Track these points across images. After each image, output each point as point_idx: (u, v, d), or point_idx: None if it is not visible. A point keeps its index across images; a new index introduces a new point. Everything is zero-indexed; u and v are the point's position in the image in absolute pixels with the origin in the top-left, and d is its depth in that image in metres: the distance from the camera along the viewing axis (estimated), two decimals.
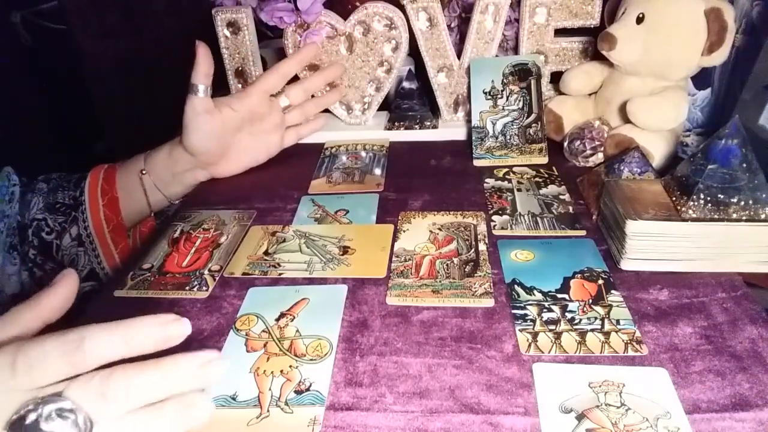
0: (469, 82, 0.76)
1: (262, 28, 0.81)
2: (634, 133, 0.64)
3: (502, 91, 0.74)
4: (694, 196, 0.49)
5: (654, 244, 0.50)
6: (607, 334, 0.44)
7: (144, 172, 0.66)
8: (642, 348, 0.42)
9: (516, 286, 0.50)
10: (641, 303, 0.47)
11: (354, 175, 0.72)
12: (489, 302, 0.48)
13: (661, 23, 0.62)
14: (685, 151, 0.73)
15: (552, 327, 0.45)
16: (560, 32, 0.76)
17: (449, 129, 0.81)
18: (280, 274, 0.53)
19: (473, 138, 0.74)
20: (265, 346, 0.45)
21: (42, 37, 1.55)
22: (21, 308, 0.34)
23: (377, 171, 0.72)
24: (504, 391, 0.40)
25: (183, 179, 0.68)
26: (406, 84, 0.80)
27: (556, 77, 0.77)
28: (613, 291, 0.48)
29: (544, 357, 0.42)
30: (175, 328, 0.32)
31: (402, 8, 0.75)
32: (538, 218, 0.59)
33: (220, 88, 0.82)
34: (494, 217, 0.60)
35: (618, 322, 0.45)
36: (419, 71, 0.80)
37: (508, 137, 0.73)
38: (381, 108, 0.82)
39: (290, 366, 0.42)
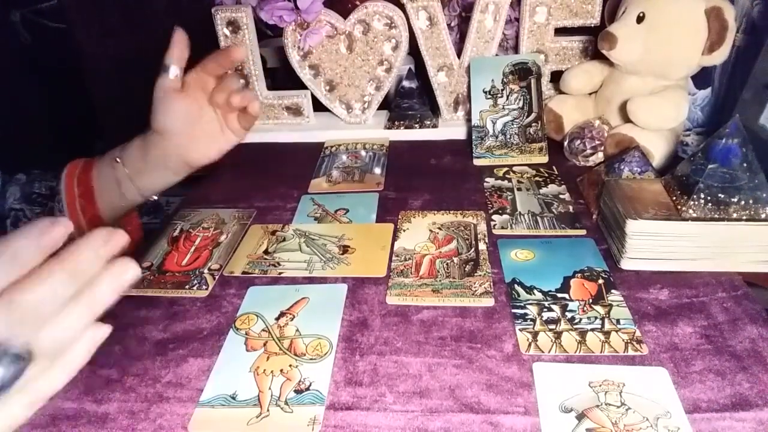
0: (469, 81, 0.76)
1: (261, 27, 0.81)
2: (635, 132, 0.64)
3: (502, 90, 0.74)
4: (695, 196, 0.49)
5: (654, 244, 0.50)
6: (607, 333, 0.44)
7: (118, 160, 0.66)
8: (642, 347, 0.42)
9: (516, 286, 0.50)
10: (641, 302, 0.47)
11: (354, 174, 0.72)
12: (489, 302, 0.48)
13: (661, 22, 0.62)
14: (686, 151, 0.73)
15: (552, 326, 0.45)
16: (560, 31, 0.76)
17: (449, 128, 0.81)
18: (280, 273, 0.53)
19: (473, 137, 0.73)
20: (264, 345, 0.45)
21: (42, 36, 1.55)
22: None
23: (377, 170, 0.72)
24: (504, 390, 0.39)
25: (155, 165, 0.65)
26: (406, 83, 0.80)
27: (556, 76, 0.77)
28: (613, 290, 0.48)
29: (544, 356, 0.42)
30: (56, 231, 0.30)
31: (402, 7, 0.75)
32: (538, 217, 0.59)
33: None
34: (494, 217, 0.60)
35: (618, 321, 0.45)
36: (419, 70, 0.80)
37: (508, 136, 0.73)
38: (381, 107, 0.82)
39: (290, 365, 0.42)
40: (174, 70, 0.62)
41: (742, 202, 0.48)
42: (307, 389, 0.40)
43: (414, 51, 0.80)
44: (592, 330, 0.44)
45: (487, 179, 0.68)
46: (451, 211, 0.61)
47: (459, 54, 0.77)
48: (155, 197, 0.67)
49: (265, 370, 0.42)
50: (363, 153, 0.77)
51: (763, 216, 0.48)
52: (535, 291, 0.49)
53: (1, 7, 1.51)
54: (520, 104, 0.73)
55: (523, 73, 0.74)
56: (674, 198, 0.51)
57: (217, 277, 0.53)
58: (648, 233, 0.49)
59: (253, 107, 0.66)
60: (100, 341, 0.31)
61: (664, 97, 0.64)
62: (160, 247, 0.58)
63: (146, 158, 0.65)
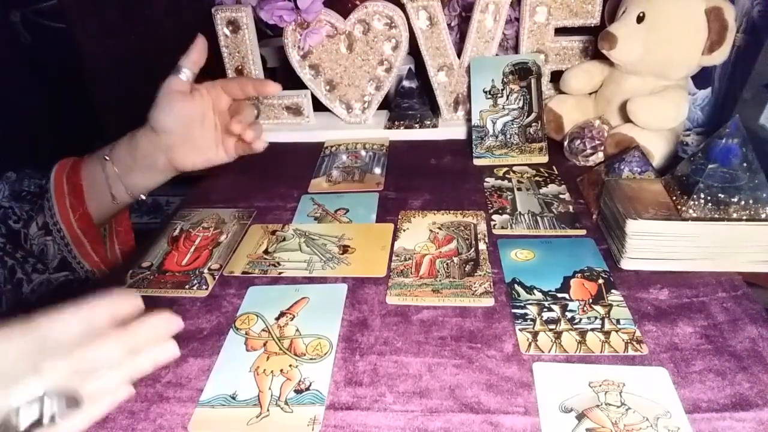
0: (469, 81, 0.76)
1: (261, 26, 0.81)
2: (635, 132, 0.64)
3: (502, 90, 0.74)
4: (695, 196, 0.49)
5: (654, 244, 0.50)
6: (607, 333, 0.44)
7: (107, 158, 0.65)
8: (642, 347, 0.42)
9: (516, 286, 0.50)
10: (641, 302, 0.47)
11: (354, 174, 0.72)
12: (489, 302, 0.48)
13: (661, 22, 0.62)
14: (686, 151, 0.73)
15: (552, 326, 0.45)
16: (560, 31, 0.76)
17: (449, 128, 0.81)
18: (279, 273, 0.53)
19: (473, 137, 0.73)
20: (264, 345, 0.45)
21: (42, 36, 1.55)
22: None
23: (377, 170, 0.72)
24: (504, 390, 0.39)
25: (143, 163, 0.65)
26: (406, 83, 0.80)
27: (556, 76, 0.77)
28: (613, 290, 0.48)
29: (544, 356, 0.42)
30: (128, 305, 0.36)
31: (402, 7, 0.75)
32: (538, 217, 0.59)
33: None
34: (494, 217, 0.60)
35: (618, 321, 0.45)
36: (419, 70, 0.80)
37: (508, 136, 0.73)
38: (381, 107, 0.82)
39: (290, 365, 0.42)
40: (186, 73, 0.63)
41: (742, 202, 0.48)
42: (307, 389, 0.40)
43: (414, 51, 0.80)
44: (592, 330, 0.44)
45: (487, 179, 0.68)
46: (451, 211, 0.61)
47: (459, 54, 0.77)
48: (143, 197, 0.67)
49: (265, 370, 0.42)
50: (363, 153, 0.77)
51: (763, 216, 0.48)
52: (535, 291, 0.49)
53: (1, 7, 1.50)
54: (520, 104, 0.73)
55: (523, 73, 0.74)
56: (674, 198, 0.51)
57: (217, 277, 0.53)
58: (648, 233, 0.49)
59: (257, 145, 0.67)
60: (122, 399, 0.35)
61: (664, 97, 0.64)
62: (160, 246, 0.58)
63: (134, 156, 0.64)
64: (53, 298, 0.35)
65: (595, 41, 0.69)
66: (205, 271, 0.54)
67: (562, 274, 0.51)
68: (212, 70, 0.83)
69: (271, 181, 0.71)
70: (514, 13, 0.77)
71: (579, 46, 0.77)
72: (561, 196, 0.63)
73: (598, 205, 0.58)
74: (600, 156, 0.68)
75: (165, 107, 0.62)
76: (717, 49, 0.60)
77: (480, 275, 0.51)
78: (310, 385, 0.41)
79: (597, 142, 0.68)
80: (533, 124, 0.73)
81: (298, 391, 0.40)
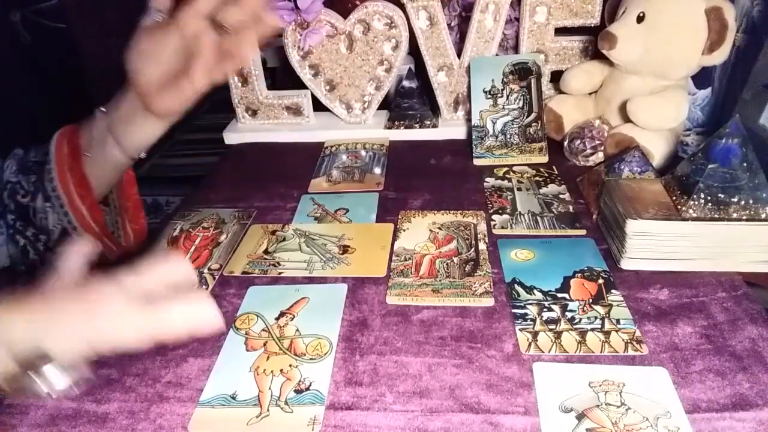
0: (469, 81, 0.76)
1: None
2: (635, 132, 0.64)
3: (502, 90, 0.74)
4: (695, 196, 0.49)
5: (654, 244, 0.50)
6: (607, 333, 0.44)
7: (103, 109, 0.63)
8: (642, 347, 0.42)
9: (516, 286, 0.50)
10: (641, 302, 0.47)
11: (354, 174, 0.72)
12: (489, 301, 0.48)
13: (661, 22, 0.62)
14: (686, 151, 0.73)
15: (552, 326, 0.45)
16: (560, 31, 0.76)
17: (449, 128, 0.81)
18: (279, 273, 0.53)
19: (473, 137, 0.73)
20: (264, 345, 0.45)
21: (42, 36, 1.55)
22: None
23: (377, 170, 0.72)
24: (504, 390, 0.39)
25: (126, 113, 0.60)
26: (406, 83, 0.80)
27: (556, 76, 0.77)
28: (613, 290, 0.48)
29: (544, 356, 0.42)
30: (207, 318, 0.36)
31: (402, 7, 0.75)
32: (538, 217, 0.59)
33: (219, 87, 0.82)
34: (494, 217, 0.60)
35: (618, 321, 0.45)
36: (419, 70, 0.80)
37: (508, 136, 0.73)
38: (381, 107, 0.82)
39: (290, 365, 0.42)
40: (157, 14, 0.59)
41: (742, 202, 0.48)
42: (307, 389, 0.40)
43: (414, 51, 0.79)
44: (592, 330, 0.44)
45: (487, 179, 0.68)
46: (451, 211, 0.61)
47: (459, 54, 0.77)
48: (136, 156, 0.64)
49: (265, 370, 0.42)
50: (363, 153, 0.77)
51: (763, 216, 0.48)
52: (535, 291, 0.49)
53: (1, 7, 1.50)
54: (520, 104, 0.73)
55: (523, 73, 0.74)
56: (674, 198, 0.51)
57: (217, 277, 0.53)
58: (648, 233, 0.49)
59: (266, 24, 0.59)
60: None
61: (664, 97, 0.64)
62: (160, 246, 0.58)
63: (119, 107, 0.62)
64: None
65: (595, 41, 0.69)
66: (205, 271, 0.54)
67: (562, 274, 0.51)
68: None
69: (271, 181, 0.71)
70: (514, 13, 0.77)
71: (579, 46, 0.77)
72: (561, 196, 0.63)
73: (598, 205, 0.58)
74: (600, 156, 0.68)
75: (132, 47, 0.60)
76: (717, 49, 0.60)
77: (480, 275, 0.51)
78: (310, 385, 0.41)
79: (597, 142, 0.68)
80: (533, 124, 0.73)
81: (298, 391, 0.40)
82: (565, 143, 0.71)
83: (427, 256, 0.54)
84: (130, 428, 0.38)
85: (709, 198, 0.48)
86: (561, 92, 0.76)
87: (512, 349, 0.43)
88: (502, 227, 0.58)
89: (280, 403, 0.39)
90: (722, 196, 0.48)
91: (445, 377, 0.41)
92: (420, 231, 0.58)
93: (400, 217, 0.61)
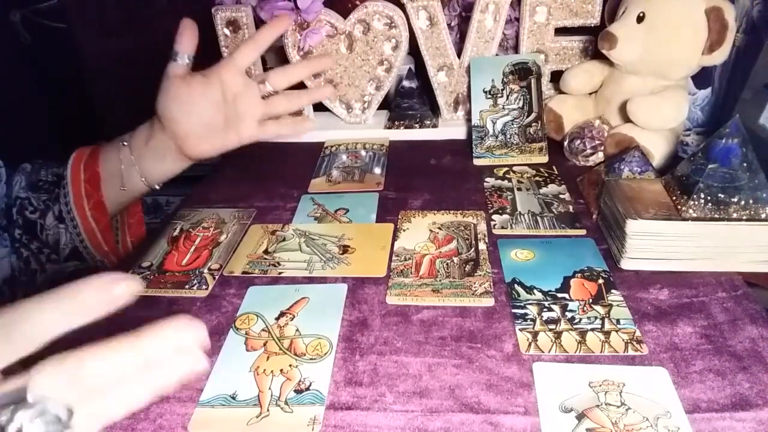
0: (469, 81, 0.76)
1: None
2: (635, 132, 0.64)
3: (502, 90, 0.74)
4: (695, 196, 0.49)
5: (654, 244, 0.50)
6: (607, 333, 0.44)
7: (125, 143, 0.65)
8: (642, 347, 0.42)
9: (516, 286, 0.50)
10: (641, 302, 0.47)
11: (354, 174, 0.72)
12: (489, 301, 0.48)
13: (661, 22, 0.62)
14: (686, 151, 0.73)
15: (552, 326, 0.45)
16: (560, 31, 0.76)
17: (449, 128, 0.81)
18: (279, 273, 0.53)
19: (473, 137, 0.73)
20: (264, 345, 0.45)
21: (42, 36, 1.55)
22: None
23: (377, 170, 0.72)
24: (504, 390, 0.39)
25: (155, 152, 0.63)
26: (406, 83, 0.80)
27: (556, 76, 0.77)
28: (613, 290, 0.48)
29: (544, 356, 0.42)
30: (123, 287, 0.30)
31: (402, 7, 0.75)
32: (538, 217, 0.59)
33: None
34: (494, 217, 0.60)
35: (618, 321, 0.45)
36: (419, 70, 0.80)
37: (508, 136, 0.73)
38: (381, 107, 0.82)
39: (290, 365, 0.42)
40: (183, 58, 0.61)
41: (742, 202, 0.48)
42: (307, 389, 0.40)
43: (414, 51, 0.79)
44: (592, 330, 0.44)
45: (487, 179, 0.68)
46: (451, 211, 0.61)
47: (459, 54, 0.77)
48: (158, 186, 0.66)
49: (265, 370, 0.42)
50: (363, 153, 0.77)
51: (763, 216, 0.48)
52: (535, 291, 0.49)
53: (1, 7, 1.50)
54: (520, 104, 0.73)
55: (523, 73, 0.74)
56: (674, 198, 0.51)
57: (217, 277, 0.53)
58: (648, 233, 0.49)
59: (303, 124, 0.66)
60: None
61: (664, 97, 0.64)
62: (160, 246, 0.58)
63: (149, 144, 0.64)
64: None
65: (595, 41, 0.69)
66: (205, 271, 0.54)
67: (562, 274, 0.51)
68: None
69: (271, 181, 0.71)
70: (514, 13, 0.77)
71: (579, 46, 0.77)
72: (561, 196, 0.63)
73: (598, 205, 0.58)
74: (600, 156, 0.68)
75: (164, 93, 0.61)
76: (717, 49, 0.60)
77: (480, 275, 0.51)
78: (310, 385, 0.41)
79: (597, 142, 0.68)
80: (533, 124, 0.73)
81: (298, 391, 0.40)
82: (565, 143, 0.71)
83: (427, 256, 0.54)
84: (130, 428, 0.38)
85: (709, 198, 0.48)
86: (561, 92, 0.76)
87: (512, 349, 0.43)
88: (502, 227, 0.58)
89: (280, 403, 0.39)
90: (722, 196, 0.48)
91: (445, 377, 0.41)
92: (420, 231, 0.58)
93: (400, 217, 0.61)
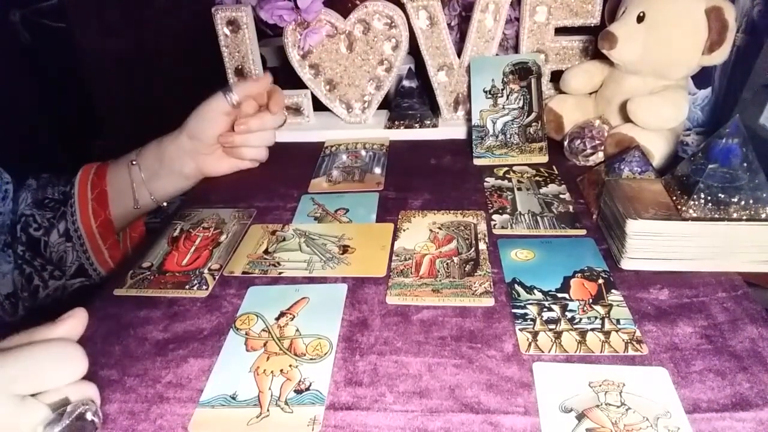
0: (469, 81, 0.76)
1: (261, 26, 0.81)
2: (635, 132, 0.64)
3: (502, 89, 0.74)
4: (695, 196, 0.49)
5: (654, 244, 0.50)
6: (607, 333, 0.44)
7: (134, 162, 0.66)
8: (642, 347, 0.42)
9: (516, 286, 0.50)
10: (641, 302, 0.47)
11: (354, 173, 0.72)
12: (489, 301, 0.48)
13: (661, 22, 0.62)
14: (686, 151, 0.73)
15: (552, 326, 0.45)
16: (561, 31, 0.76)
17: (449, 128, 0.81)
18: (280, 273, 0.53)
19: (473, 137, 0.73)
20: (265, 345, 0.45)
21: (41, 36, 1.55)
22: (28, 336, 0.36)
23: (377, 170, 0.72)
24: (504, 390, 0.39)
25: (171, 168, 0.67)
26: (406, 83, 0.80)
27: (556, 76, 0.77)
28: (613, 290, 0.48)
29: (544, 356, 0.42)
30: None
31: (402, 7, 0.75)
32: (539, 217, 0.59)
33: (219, 87, 0.82)
34: (494, 216, 0.60)
35: (618, 321, 0.45)
36: (419, 70, 0.80)
37: (509, 136, 0.73)
38: (381, 107, 0.82)
39: (290, 365, 0.42)
40: (234, 98, 0.65)
41: (742, 202, 0.48)
42: (307, 389, 0.40)
43: (414, 50, 0.79)
44: (592, 330, 0.44)
45: (487, 179, 0.68)
46: (451, 211, 0.61)
47: (459, 54, 0.77)
48: (165, 204, 0.68)
49: (265, 370, 0.42)
50: (363, 153, 0.77)
51: (763, 216, 0.48)
52: (536, 291, 0.49)
53: (1, 7, 1.50)
54: (521, 104, 0.73)
55: (523, 72, 0.74)
56: (674, 198, 0.51)
57: (217, 277, 0.53)
58: (648, 233, 0.49)
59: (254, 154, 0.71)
60: None
61: (664, 97, 0.64)
62: (160, 247, 0.58)
63: (162, 161, 0.66)
64: (68, 303, 0.36)
65: (595, 41, 0.69)
66: (205, 271, 0.54)
67: (562, 274, 0.51)
68: (211, 69, 0.83)
69: (271, 181, 0.71)
70: (514, 12, 0.77)
71: (579, 46, 0.77)
72: (561, 196, 0.63)
73: (598, 205, 0.58)
74: (600, 156, 0.68)
75: (207, 122, 0.66)
76: (717, 49, 0.60)
77: (480, 275, 0.51)
78: (310, 385, 0.41)
79: (597, 142, 0.68)
80: (533, 123, 0.73)
81: (298, 391, 0.40)
82: (565, 143, 0.71)
83: (427, 256, 0.54)
84: (131, 429, 0.38)
85: (709, 198, 0.48)
86: (561, 92, 0.76)
87: (512, 349, 0.43)
88: (502, 227, 0.58)
89: (280, 404, 0.39)
90: (722, 196, 0.48)
91: (445, 377, 0.41)
92: (420, 231, 0.58)
93: (400, 217, 0.61)
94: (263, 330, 0.46)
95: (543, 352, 0.42)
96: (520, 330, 0.45)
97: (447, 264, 0.53)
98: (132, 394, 0.41)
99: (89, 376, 0.37)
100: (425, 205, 0.64)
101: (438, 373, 0.41)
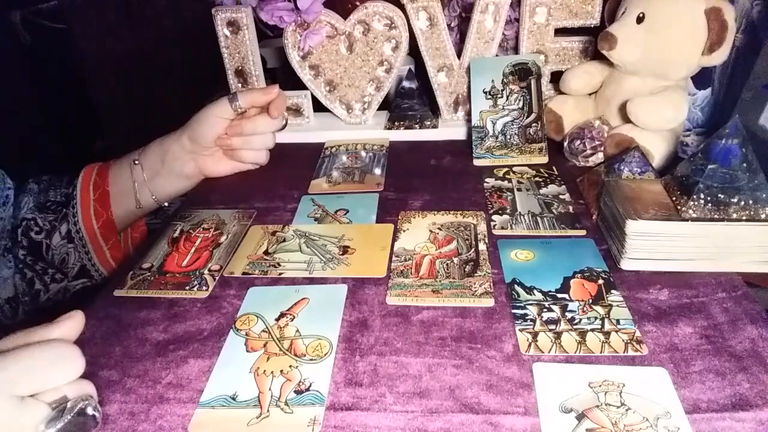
0: (469, 82, 0.76)
1: (262, 27, 0.81)
2: (634, 132, 0.64)
3: (502, 90, 0.74)
4: (695, 196, 0.49)
5: (654, 244, 0.50)
6: (607, 333, 0.44)
7: (137, 162, 0.67)
8: (642, 348, 0.42)
9: (516, 286, 0.50)
10: (641, 303, 0.47)
11: (354, 174, 0.72)
12: (489, 302, 0.48)
13: (661, 23, 0.62)
14: (686, 151, 0.73)
15: (552, 327, 0.45)
16: (560, 32, 0.76)
17: (449, 128, 0.81)
18: (280, 274, 0.53)
19: (473, 137, 0.73)
20: (265, 345, 0.45)
21: (42, 36, 1.55)
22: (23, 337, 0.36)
23: (377, 170, 0.72)
24: (504, 390, 0.40)
25: (172, 169, 0.67)
26: (406, 83, 0.80)
27: (556, 77, 0.77)
28: (613, 291, 0.48)
29: (544, 357, 0.42)
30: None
31: (402, 8, 0.75)
32: (538, 218, 0.59)
33: (219, 88, 0.82)
34: (494, 217, 0.60)
35: (618, 321, 0.45)
36: (419, 71, 0.80)
37: (508, 137, 0.73)
38: (381, 107, 0.82)
39: (290, 366, 0.42)
40: (238, 105, 0.66)
41: (742, 203, 0.48)
42: (307, 390, 0.40)
43: (414, 51, 0.80)
44: (592, 330, 0.44)
45: (487, 179, 0.68)
46: (451, 212, 0.61)
47: (459, 54, 0.77)
48: (167, 204, 0.69)
49: (265, 370, 0.42)
50: (363, 153, 0.77)
51: (763, 216, 0.48)
52: (535, 291, 0.49)
53: (1, 8, 1.51)
54: (520, 105, 0.73)
55: (523, 73, 0.74)
56: (674, 198, 0.51)
57: (217, 278, 0.53)
58: (648, 233, 0.49)
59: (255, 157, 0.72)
60: None
61: (664, 97, 0.64)
62: (160, 248, 0.58)
63: (164, 161, 0.66)
64: (69, 305, 0.36)
65: (595, 42, 0.69)
66: (206, 272, 0.54)
67: (562, 274, 0.51)
68: (211, 70, 0.83)
69: (271, 181, 0.71)
70: (514, 13, 0.77)
71: (579, 47, 0.77)
72: (561, 196, 0.63)
73: (598, 206, 0.58)
74: (600, 156, 0.68)
75: (209, 126, 0.67)
76: (717, 50, 0.60)
77: (480, 275, 0.51)
78: (310, 385, 0.41)
79: (597, 142, 0.68)
80: (533, 124, 0.73)
81: (298, 392, 0.40)
82: (565, 144, 0.71)
83: (427, 257, 0.54)
84: (131, 429, 0.38)
85: (709, 198, 0.48)
86: (561, 93, 0.76)
87: (512, 350, 0.43)
88: (502, 227, 0.58)
89: (280, 404, 0.39)
90: (722, 196, 0.48)
91: (445, 378, 0.41)
92: (420, 231, 0.58)
93: (400, 217, 0.61)
94: (263, 331, 0.46)
95: (543, 352, 0.42)
96: (520, 330, 0.45)
97: (447, 264, 0.53)
98: (132, 395, 0.41)
99: (89, 377, 0.37)
100: (425, 205, 0.64)
101: (438, 373, 0.41)
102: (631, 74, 0.67)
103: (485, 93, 0.74)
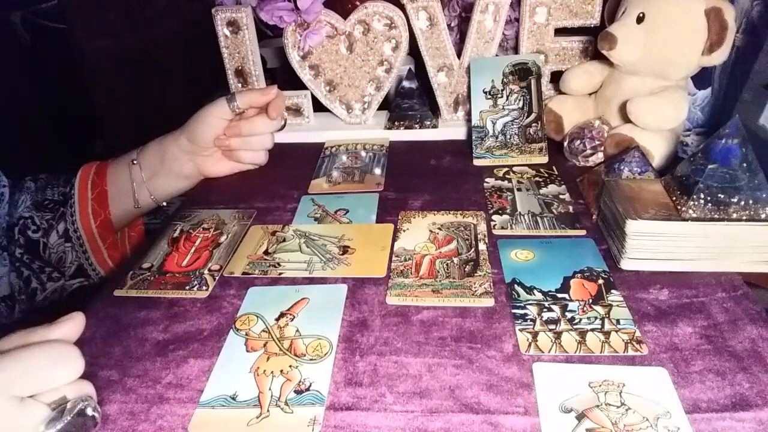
0: (469, 82, 0.76)
1: (262, 27, 0.81)
2: (634, 132, 0.64)
3: (502, 90, 0.74)
4: (695, 196, 0.49)
5: (654, 244, 0.50)
6: (607, 333, 0.44)
7: (135, 161, 0.67)
8: (642, 348, 0.42)
9: (516, 286, 0.50)
10: (641, 303, 0.47)
11: (354, 174, 0.72)
12: (489, 302, 0.48)
13: (661, 23, 0.62)
14: (686, 151, 0.73)
15: (552, 327, 0.45)
16: (560, 32, 0.76)
17: (449, 128, 0.81)
18: (280, 274, 0.53)
19: (473, 137, 0.73)
20: (265, 345, 0.45)
21: (42, 36, 1.55)
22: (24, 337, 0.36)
23: (377, 170, 0.72)
24: (504, 390, 0.39)
25: (171, 168, 0.67)
26: (406, 83, 0.80)
27: (556, 77, 0.77)
28: (613, 291, 0.48)
29: (544, 357, 0.42)
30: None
31: (402, 8, 0.75)
32: (538, 218, 0.59)
33: (219, 88, 0.82)
34: (494, 217, 0.60)
35: (618, 321, 0.45)
36: (419, 71, 0.80)
37: (508, 137, 0.73)
38: (381, 107, 0.82)
39: (290, 366, 0.42)
40: (236, 105, 0.67)
41: (742, 203, 0.48)
42: (307, 390, 0.40)
43: (414, 51, 0.80)
44: (592, 330, 0.44)
45: (487, 179, 0.68)
46: (451, 212, 0.61)
47: (459, 54, 0.77)
48: (165, 204, 0.68)
49: (265, 370, 0.42)
50: (363, 153, 0.77)
51: (763, 216, 0.48)
52: (535, 291, 0.49)
53: (1, 8, 1.51)
54: (520, 104, 0.73)
55: (523, 73, 0.74)
56: (674, 198, 0.51)
57: (217, 278, 0.53)
58: (648, 233, 0.49)
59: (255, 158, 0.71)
60: None
61: (664, 97, 0.64)
62: (160, 247, 0.58)
63: (163, 161, 0.66)
64: (66, 304, 0.36)
65: (595, 42, 0.69)
66: (206, 272, 0.54)
67: (562, 274, 0.51)
68: (211, 70, 0.83)
69: (271, 181, 0.71)
70: (514, 13, 0.77)
71: (579, 47, 0.77)
72: (561, 196, 0.63)
73: (597, 206, 0.58)
74: (600, 156, 0.68)
75: (208, 127, 0.67)
76: (717, 50, 0.60)
77: (480, 275, 0.51)
78: (310, 385, 0.41)
79: (597, 142, 0.68)
80: (533, 124, 0.73)
81: (298, 392, 0.40)
82: (565, 144, 0.71)
83: (427, 257, 0.54)
84: (131, 429, 0.38)
85: (709, 198, 0.48)
86: (561, 93, 0.76)
87: (512, 350, 0.43)
88: (502, 227, 0.58)
89: (280, 404, 0.39)
90: (722, 196, 0.48)
91: (445, 377, 0.41)
92: (420, 231, 0.58)
93: (400, 217, 0.61)
94: (263, 330, 0.46)
95: (543, 352, 0.42)
96: (520, 330, 0.45)
97: (447, 264, 0.53)
98: (132, 395, 0.41)
99: (89, 377, 0.37)
100: (425, 205, 0.64)
101: (438, 373, 0.41)
102: (631, 74, 0.67)
103: (485, 93, 0.74)
